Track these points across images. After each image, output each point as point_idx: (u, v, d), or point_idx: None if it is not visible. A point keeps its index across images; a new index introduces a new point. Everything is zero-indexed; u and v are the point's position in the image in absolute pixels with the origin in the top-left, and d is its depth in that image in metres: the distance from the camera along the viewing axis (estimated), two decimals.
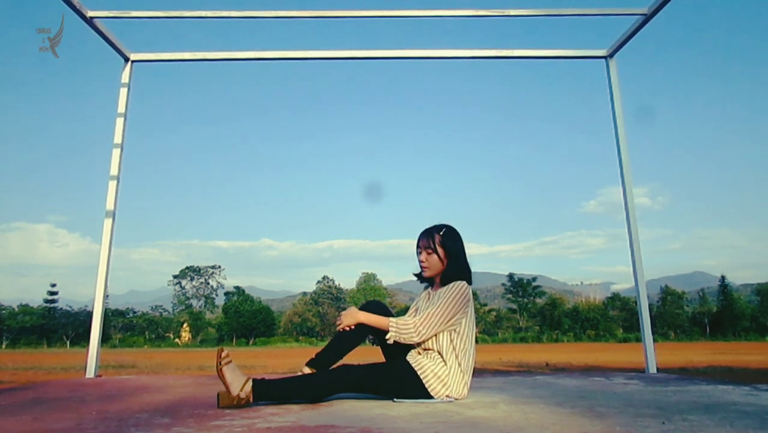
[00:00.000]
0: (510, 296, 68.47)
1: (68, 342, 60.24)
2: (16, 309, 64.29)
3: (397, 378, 2.35)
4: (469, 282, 2.53)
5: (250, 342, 62.03)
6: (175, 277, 77.83)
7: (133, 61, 4.25)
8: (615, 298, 66.35)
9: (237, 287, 72.78)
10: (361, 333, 2.46)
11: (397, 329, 2.38)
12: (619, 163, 4.17)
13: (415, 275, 2.67)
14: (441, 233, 2.54)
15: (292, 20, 4.24)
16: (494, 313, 67.43)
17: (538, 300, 67.41)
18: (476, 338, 2.56)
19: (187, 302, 75.72)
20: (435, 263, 2.53)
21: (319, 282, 73.50)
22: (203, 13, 4.06)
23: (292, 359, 16.79)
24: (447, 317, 2.38)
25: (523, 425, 1.75)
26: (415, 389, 2.32)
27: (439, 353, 2.39)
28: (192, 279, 78.55)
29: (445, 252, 2.52)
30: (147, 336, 64.46)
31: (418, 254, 2.59)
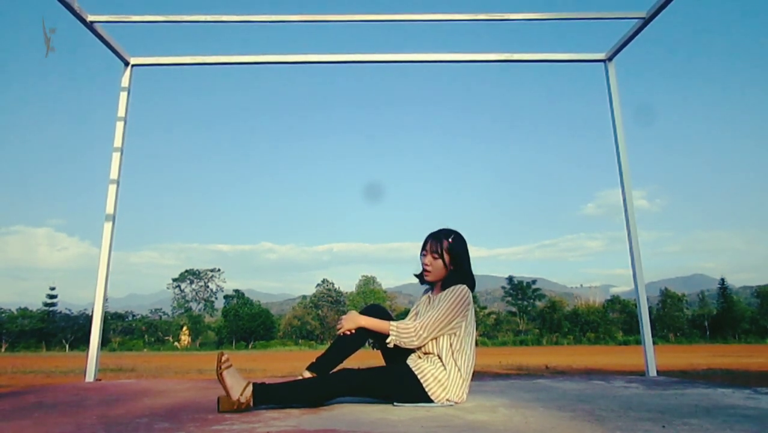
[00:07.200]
0: (509, 298, 68.35)
1: (67, 346, 60.10)
2: (15, 313, 64.10)
3: (397, 382, 2.35)
4: (472, 289, 2.52)
5: (250, 346, 61.90)
6: (174, 280, 77.73)
7: (133, 65, 4.26)
8: (615, 300, 66.17)
9: (236, 291, 72.69)
10: (362, 337, 2.46)
11: (398, 333, 2.38)
12: (618, 166, 4.18)
13: (416, 275, 2.66)
14: (450, 239, 2.52)
15: (291, 24, 4.25)
16: (494, 316, 67.28)
17: (537, 303, 67.29)
18: (476, 341, 2.56)
19: (186, 306, 75.56)
20: (439, 268, 2.52)
21: (318, 285, 73.41)
22: (202, 18, 4.07)
23: (292, 362, 16.75)
24: (447, 320, 2.38)
25: (524, 429, 1.74)
26: (416, 393, 2.32)
27: (439, 357, 2.39)
28: (191, 282, 78.44)
29: (451, 259, 2.50)
30: (146, 339, 64.28)
31: (423, 255, 2.57)
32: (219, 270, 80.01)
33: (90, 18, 3.76)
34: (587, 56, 4.42)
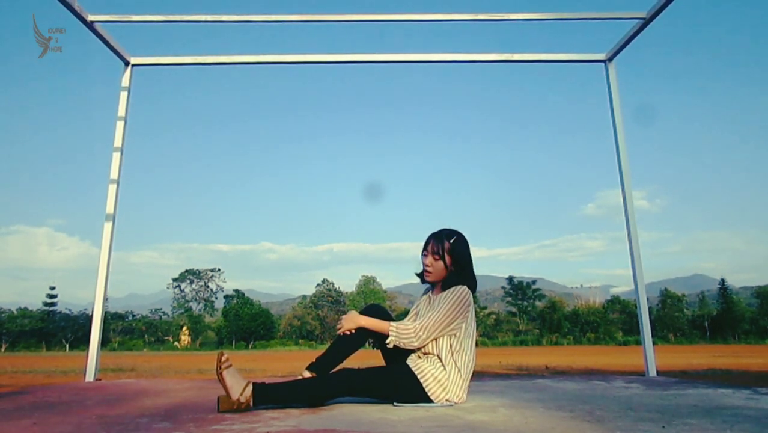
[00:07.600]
0: (509, 299, 68.33)
1: (67, 346, 60.08)
2: (15, 312, 64.05)
3: (397, 382, 2.35)
4: (473, 290, 2.52)
5: (250, 346, 61.89)
6: (174, 280, 77.69)
7: (133, 65, 4.26)
8: (615, 301, 66.09)
9: (236, 291, 72.69)
10: (362, 337, 2.46)
11: (398, 333, 2.38)
12: (618, 166, 4.18)
13: (417, 274, 2.65)
14: (451, 241, 2.50)
15: (291, 24, 4.25)
16: (494, 316, 67.25)
17: (537, 303, 67.27)
18: (476, 341, 2.56)
19: (186, 306, 75.52)
20: (440, 269, 2.51)
21: (318, 285, 73.34)
22: (202, 18, 4.07)
23: (292, 362, 16.75)
24: (447, 321, 2.37)
25: (524, 429, 1.74)
26: (415, 393, 2.32)
27: (439, 358, 2.39)
28: (191, 282, 78.40)
29: (452, 260, 2.49)
30: (146, 339, 64.27)
31: (424, 255, 2.56)
32: (219, 270, 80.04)
33: (90, 18, 3.76)
34: (587, 56, 4.42)
